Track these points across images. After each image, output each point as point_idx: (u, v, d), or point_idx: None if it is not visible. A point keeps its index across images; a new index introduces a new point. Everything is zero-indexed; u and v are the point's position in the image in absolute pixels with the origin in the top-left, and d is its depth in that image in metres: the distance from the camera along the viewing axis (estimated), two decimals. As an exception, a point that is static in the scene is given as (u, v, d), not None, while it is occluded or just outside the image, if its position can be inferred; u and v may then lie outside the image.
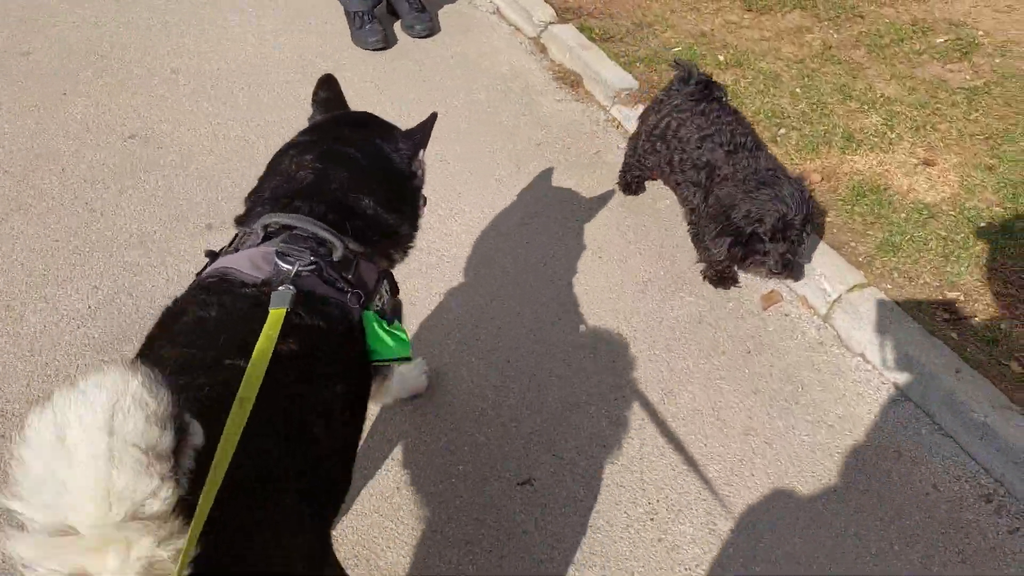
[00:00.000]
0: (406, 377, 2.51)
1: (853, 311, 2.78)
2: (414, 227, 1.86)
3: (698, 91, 2.92)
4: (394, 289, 1.79)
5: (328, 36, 4.51)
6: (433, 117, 1.92)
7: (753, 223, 2.54)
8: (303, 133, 1.84)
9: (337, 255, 1.56)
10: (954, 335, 2.66)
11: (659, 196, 3.42)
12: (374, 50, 4.38)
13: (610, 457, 2.45)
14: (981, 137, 3.48)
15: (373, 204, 1.69)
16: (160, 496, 0.88)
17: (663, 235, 3.23)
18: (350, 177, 1.68)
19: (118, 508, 0.85)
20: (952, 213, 3.11)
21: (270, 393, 1.20)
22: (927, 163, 3.36)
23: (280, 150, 1.79)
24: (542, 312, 2.90)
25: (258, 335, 1.28)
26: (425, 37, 4.54)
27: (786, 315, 2.90)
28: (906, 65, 4.01)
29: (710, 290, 2.99)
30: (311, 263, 1.49)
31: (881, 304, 2.76)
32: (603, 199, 3.42)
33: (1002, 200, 3.14)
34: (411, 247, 1.88)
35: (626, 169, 3.37)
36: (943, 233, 3.03)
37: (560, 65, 4.28)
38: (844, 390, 2.63)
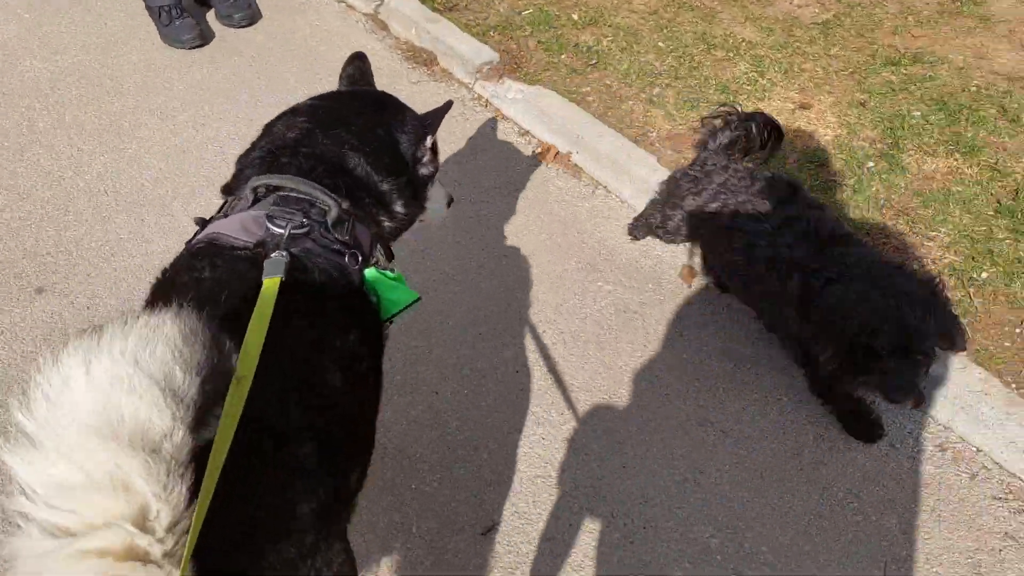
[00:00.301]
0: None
1: (773, 274, 2.70)
2: (411, 207, 1.76)
3: (736, 136, 2.49)
4: (389, 254, 1.71)
5: (133, 38, 3.89)
6: (448, 104, 1.85)
7: (867, 335, 1.98)
8: (307, 100, 1.77)
9: (332, 215, 1.48)
10: (874, 283, 2.65)
11: (548, 177, 3.20)
12: (191, 48, 3.82)
13: (571, 482, 2.25)
14: (846, 72, 3.49)
15: (364, 163, 1.62)
16: (173, 439, 0.86)
17: (563, 223, 3.02)
18: (341, 135, 1.63)
19: (128, 443, 0.83)
20: (840, 156, 3.10)
21: (267, 365, 1.12)
22: (803, 106, 3.34)
23: (277, 115, 1.73)
24: (460, 332, 2.63)
25: (259, 289, 1.24)
26: (246, 26, 4.02)
27: (707, 288, 2.78)
28: (757, 5, 3.97)
29: (626, 275, 2.82)
30: (302, 225, 1.42)
31: (799, 262, 2.69)
32: (492, 193, 3.15)
33: (882, 135, 3.16)
34: (404, 222, 1.78)
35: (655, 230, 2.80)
36: (837, 179, 3.01)
37: (407, 43, 3.92)
38: (783, 358, 2.56)
